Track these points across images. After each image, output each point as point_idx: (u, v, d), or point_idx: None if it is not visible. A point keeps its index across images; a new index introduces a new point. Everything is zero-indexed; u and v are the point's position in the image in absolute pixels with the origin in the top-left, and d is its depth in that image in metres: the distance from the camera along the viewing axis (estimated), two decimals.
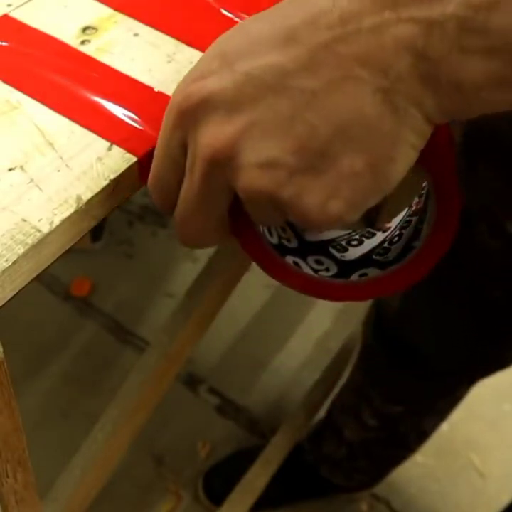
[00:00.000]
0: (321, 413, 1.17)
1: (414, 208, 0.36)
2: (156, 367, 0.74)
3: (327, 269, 0.36)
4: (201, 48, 0.39)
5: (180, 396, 1.28)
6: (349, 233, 0.38)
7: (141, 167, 0.34)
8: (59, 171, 0.33)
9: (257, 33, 0.28)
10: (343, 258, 0.37)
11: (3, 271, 0.29)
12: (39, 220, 0.31)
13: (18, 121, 0.35)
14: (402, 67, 0.25)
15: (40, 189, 0.32)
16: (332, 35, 0.26)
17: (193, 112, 0.29)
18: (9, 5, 0.41)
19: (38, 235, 0.31)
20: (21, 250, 0.30)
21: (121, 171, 0.33)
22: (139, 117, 0.36)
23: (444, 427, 1.11)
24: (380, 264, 0.36)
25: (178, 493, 1.19)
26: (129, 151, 0.34)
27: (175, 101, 0.30)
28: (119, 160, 0.34)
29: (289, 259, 0.35)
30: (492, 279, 0.69)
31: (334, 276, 0.36)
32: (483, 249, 0.67)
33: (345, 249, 0.38)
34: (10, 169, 0.33)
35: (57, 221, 0.31)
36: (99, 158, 0.34)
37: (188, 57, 0.39)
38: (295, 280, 0.36)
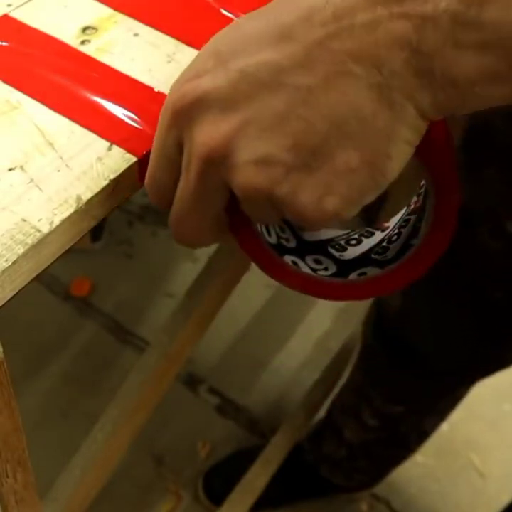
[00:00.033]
0: (321, 413, 1.17)
1: (412, 206, 0.36)
2: (156, 367, 0.74)
3: (326, 269, 0.36)
4: (201, 48, 0.39)
5: (180, 396, 1.28)
6: (348, 233, 0.38)
7: (141, 167, 0.34)
8: (59, 171, 0.33)
9: (252, 31, 0.28)
10: (341, 257, 0.37)
11: (3, 271, 0.29)
12: (39, 220, 0.31)
13: (18, 121, 0.35)
14: (396, 63, 0.25)
15: (40, 189, 0.32)
16: (326, 31, 0.26)
17: (188, 111, 0.29)
18: (9, 5, 0.41)
19: (38, 235, 0.31)
20: (21, 250, 0.30)
21: (121, 171, 0.33)
22: (139, 117, 0.36)
23: (444, 427, 1.11)
24: (379, 263, 0.36)
25: (178, 493, 1.19)
26: (129, 151, 0.34)
27: (170, 100, 0.30)
28: (119, 160, 0.34)
29: (288, 258, 0.35)
30: (493, 280, 0.69)
31: (333, 275, 0.36)
32: (484, 250, 0.67)
33: (344, 249, 0.38)
34: (10, 169, 0.33)
35: (57, 221, 0.31)
36: (99, 158, 0.34)
37: (188, 57, 0.39)
38: (294, 280, 0.36)
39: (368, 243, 0.38)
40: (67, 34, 0.40)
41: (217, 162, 0.28)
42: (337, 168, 0.27)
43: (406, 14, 0.25)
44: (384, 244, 0.37)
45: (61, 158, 0.33)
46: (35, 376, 1.28)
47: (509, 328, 0.73)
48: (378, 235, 0.38)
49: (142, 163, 0.34)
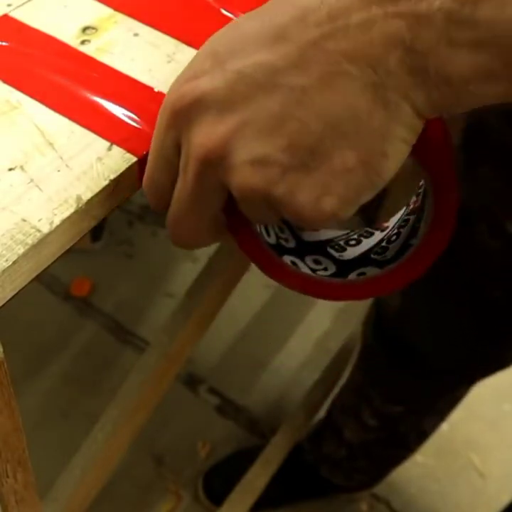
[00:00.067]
0: (321, 413, 1.17)
1: (411, 206, 0.36)
2: (156, 367, 0.74)
3: (325, 269, 0.36)
4: None
5: (180, 396, 1.28)
6: (347, 233, 0.38)
7: (141, 167, 0.34)
8: (59, 171, 0.33)
9: (248, 32, 0.28)
10: (341, 257, 0.37)
11: (3, 271, 0.29)
12: (39, 220, 0.31)
13: (18, 121, 0.35)
14: (391, 62, 0.25)
15: (40, 189, 0.32)
16: (320, 32, 0.26)
17: (186, 112, 0.29)
18: (9, 5, 0.41)
19: (38, 235, 0.31)
20: (21, 250, 0.30)
21: (121, 171, 0.33)
22: (138, 117, 0.36)
23: (444, 427, 1.11)
24: (378, 263, 0.36)
25: (178, 493, 1.19)
26: (129, 151, 0.34)
27: (168, 101, 0.30)
28: (119, 160, 0.34)
29: (287, 258, 0.35)
30: (492, 279, 0.69)
31: (332, 275, 0.36)
32: (483, 249, 0.67)
33: (344, 249, 0.38)
34: (10, 169, 0.33)
35: (57, 221, 0.31)
36: (99, 158, 0.34)
37: (188, 57, 0.39)
38: (293, 280, 0.36)
39: (367, 243, 0.38)
40: (67, 34, 0.40)
41: (215, 163, 0.28)
42: (334, 168, 0.27)
43: (400, 13, 0.25)
44: (383, 244, 0.37)
45: (61, 158, 0.33)
46: (35, 376, 1.28)
47: (508, 327, 0.73)
48: (377, 235, 0.38)
49: (142, 163, 0.34)
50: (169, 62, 0.39)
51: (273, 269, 0.35)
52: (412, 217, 0.36)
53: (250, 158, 0.28)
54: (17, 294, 0.31)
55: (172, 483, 1.20)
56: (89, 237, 1.43)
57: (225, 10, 0.42)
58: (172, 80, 0.38)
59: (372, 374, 0.95)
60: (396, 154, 0.27)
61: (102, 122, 0.35)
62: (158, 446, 1.22)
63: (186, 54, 0.39)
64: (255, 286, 1.37)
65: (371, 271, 0.36)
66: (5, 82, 0.37)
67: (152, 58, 0.39)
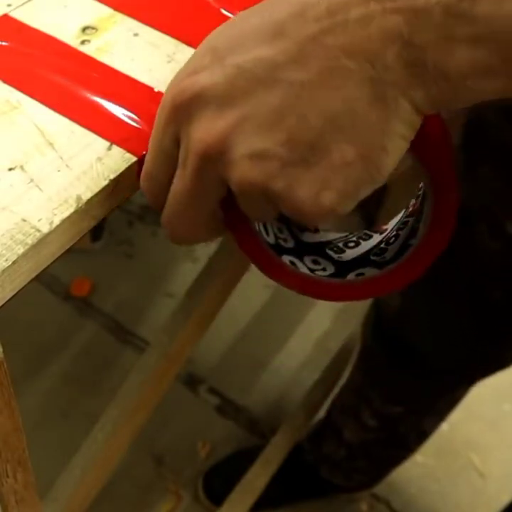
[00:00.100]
0: (321, 413, 1.17)
1: (410, 209, 0.37)
2: (156, 367, 0.74)
3: (324, 269, 0.36)
4: None
5: (180, 396, 1.28)
6: (346, 235, 0.38)
7: (141, 167, 0.34)
8: (59, 171, 0.33)
9: (248, 27, 0.28)
10: (340, 258, 0.37)
11: (3, 271, 0.29)
12: (39, 220, 0.31)
13: (18, 121, 0.35)
14: (389, 57, 0.25)
15: (40, 189, 0.32)
16: (319, 27, 0.26)
17: (186, 107, 0.29)
18: (9, 5, 0.41)
19: (38, 234, 0.31)
20: (21, 250, 0.30)
21: (121, 171, 0.33)
22: (138, 117, 0.36)
23: (444, 427, 1.11)
24: (377, 264, 0.36)
25: (178, 493, 1.19)
26: (128, 151, 0.34)
27: (168, 96, 0.30)
28: (118, 160, 0.34)
29: (286, 258, 0.35)
30: (492, 279, 0.69)
31: (331, 275, 0.36)
32: (483, 250, 0.67)
33: (342, 251, 0.38)
34: (10, 169, 0.33)
35: (57, 221, 0.31)
36: (99, 158, 0.34)
37: (188, 57, 0.39)
38: (292, 280, 0.36)
39: (366, 245, 0.38)
40: (67, 34, 0.40)
41: (214, 158, 0.29)
42: (333, 163, 0.27)
43: (398, 8, 0.25)
44: (382, 246, 0.37)
45: (61, 158, 0.33)
46: (35, 376, 1.28)
47: (508, 327, 0.73)
48: (376, 238, 0.38)
49: (142, 163, 0.34)
50: (169, 62, 0.39)
51: (272, 269, 0.35)
52: (411, 220, 0.36)
53: (249, 153, 0.28)
54: (17, 294, 0.31)
55: (172, 483, 1.20)
56: (89, 237, 1.43)
57: (225, 10, 0.42)
58: None
59: (372, 375, 0.95)
60: (394, 150, 0.27)
61: (102, 122, 0.35)
62: (158, 446, 1.22)
63: (186, 54, 0.39)
64: (255, 286, 1.37)
65: (370, 271, 0.36)
66: (5, 82, 0.37)
67: (152, 58, 0.39)
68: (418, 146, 0.28)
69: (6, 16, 0.41)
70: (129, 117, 0.36)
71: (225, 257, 0.71)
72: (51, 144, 0.34)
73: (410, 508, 1.21)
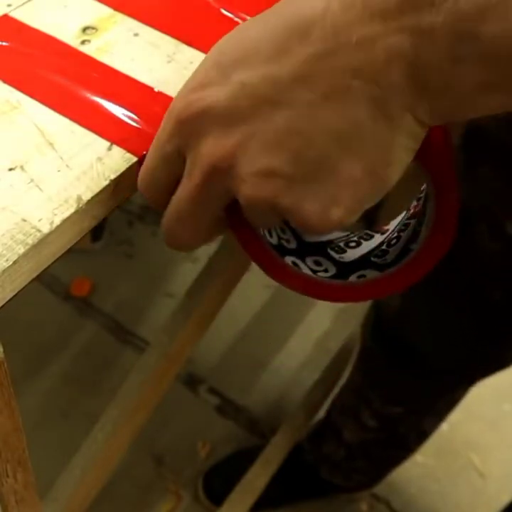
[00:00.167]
0: (321, 413, 1.17)
1: (412, 211, 0.37)
2: (156, 367, 0.73)
3: (326, 270, 0.36)
4: (201, 48, 0.39)
5: (180, 396, 1.28)
6: (347, 235, 0.38)
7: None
8: (59, 171, 0.33)
9: (253, 42, 0.28)
10: (341, 259, 0.37)
11: (3, 271, 0.29)
12: (39, 220, 0.31)
13: (18, 121, 0.35)
14: (394, 77, 0.26)
15: (40, 189, 0.32)
16: (324, 47, 0.26)
17: (192, 122, 0.29)
18: (9, 5, 0.41)
19: (38, 235, 0.31)
20: (21, 250, 0.30)
21: (121, 171, 0.33)
22: (139, 117, 0.36)
23: (444, 427, 1.11)
24: (379, 266, 0.36)
25: (178, 493, 1.19)
26: (129, 151, 0.34)
27: (175, 107, 0.30)
28: (119, 160, 0.34)
29: (288, 259, 0.36)
30: (492, 280, 0.69)
31: (333, 277, 0.36)
32: (483, 250, 0.67)
33: (344, 251, 0.38)
34: (10, 169, 0.33)
35: (57, 221, 0.31)
36: (99, 158, 0.34)
37: (188, 57, 0.39)
38: (294, 281, 0.36)
39: (367, 246, 0.38)
40: (67, 34, 0.40)
41: (222, 172, 0.29)
42: (340, 180, 0.27)
43: (403, 28, 0.25)
44: (383, 247, 0.37)
45: (61, 158, 0.33)
46: (35, 376, 1.28)
47: (508, 328, 0.73)
48: (377, 238, 0.38)
49: (142, 163, 0.34)
50: (169, 62, 0.39)
51: (275, 270, 0.35)
52: (412, 222, 0.36)
53: (256, 171, 0.28)
54: (17, 294, 0.31)
55: (172, 483, 1.20)
56: (89, 237, 1.43)
57: (225, 10, 0.42)
58: (172, 79, 0.38)
59: (372, 376, 0.95)
60: (400, 162, 0.28)
61: (102, 122, 0.35)
62: (158, 446, 1.22)
63: (186, 54, 0.39)
64: (255, 286, 1.37)
65: (371, 273, 0.36)
66: (5, 82, 0.37)
67: (152, 58, 0.39)
68: (421, 153, 0.28)
69: (6, 16, 0.41)
70: (129, 117, 0.36)
71: (225, 257, 0.71)
72: (51, 144, 0.34)
73: (410, 508, 1.21)
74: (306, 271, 0.36)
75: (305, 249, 0.37)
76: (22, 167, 0.33)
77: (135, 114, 0.36)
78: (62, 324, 1.37)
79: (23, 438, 0.37)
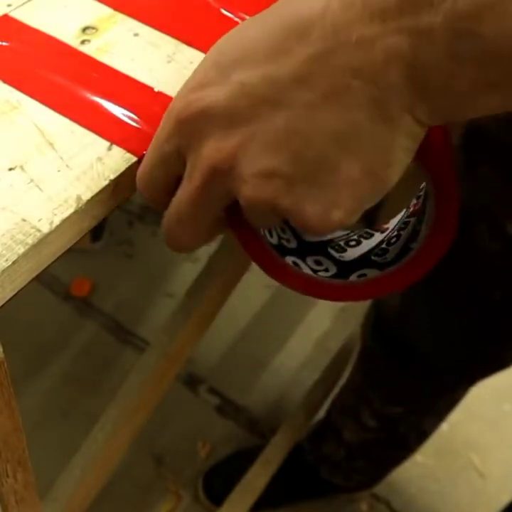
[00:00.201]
0: (321, 413, 1.17)
1: (412, 209, 0.37)
2: (156, 367, 0.74)
3: (326, 270, 0.36)
4: (201, 48, 0.39)
5: (180, 396, 1.28)
6: (347, 234, 0.38)
7: None
8: (59, 171, 0.33)
9: (252, 42, 0.28)
10: (341, 258, 0.37)
11: (3, 271, 0.29)
12: (39, 220, 0.31)
13: (18, 121, 0.35)
14: (392, 77, 0.25)
15: (40, 189, 0.32)
16: (324, 46, 0.26)
17: (191, 123, 0.29)
18: (9, 5, 0.41)
19: (38, 234, 0.31)
20: (21, 250, 0.30)
21: (121, 171, 0.33)
22: (138, 117, 0.36)
23: (444, 427, 1.11)
24: (379, 265, 0.36)
25: (178, 493, 1.19)
26: (129, 151, 0.34)
27: (174, 107, 0.30)
28: (119, 160, 0.34)
29: (289, 259, 0.36)
30: (492, 280, 0.69)
31: (333, 276, 0.36)
32: (483, 250, 0.67)
33: (344, 250, 0.38)
34: (10, 169, 0.33)
35: (57, 221, 0.31)
36: (99, 158, 0.34)
37: (188, 57, 0.39)
38: (295, 281, 0.36)
39: (367, 244, 0.38)
40: (67, 34, 0.40)
41: (223, 174, 0.29)
42: (340, 181, 0.27)
43: (402, 29, 0.25)
44: (383, 246, 0.37)
45: (61, 158, 0.33)
46: (35, 376, 1.28)
47: (508, 327, 0.73)
48: (377, 237, 0.38)
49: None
50: (169, 62, 0.39)
51: (276, 270, 0.35)
52: (412, 220, 0.36)
53: (256, 172, 0.28)
54: (17, 294, 0.31)
55: (172, 483, 1.20)
56: (89, 237, 1.43)
57: (225, 10, 0.42)
58: (172, 79, 0.38)
59: (372, 376, 0.95)
60: (399, 162, 0.28)
61: (102, 122, 0.35)
62: (158, 446, 1.22)
63: (186, 54, 0.39)
64: (255, 286, 1.37)
65: (372, 272, 0.36)
66: (5, 82, 0.37)
67: (152, 58, 0.39)
68: (421, 153, 0.28)
69: (6, 16, 0.41)
70: (129, 117, 0.36)
71: (225, 257, 0.71)
72: (51, 144, 0.34)
73: (410, 508, 1.21)
74: (307, 270, 0.36)
75: (305, 249, 0.37)
76: (22, 167, 0.33)
77: (135, 114, 0.36)
78: (62, 324, 1.37)
79: (23, 438, 0.37)
